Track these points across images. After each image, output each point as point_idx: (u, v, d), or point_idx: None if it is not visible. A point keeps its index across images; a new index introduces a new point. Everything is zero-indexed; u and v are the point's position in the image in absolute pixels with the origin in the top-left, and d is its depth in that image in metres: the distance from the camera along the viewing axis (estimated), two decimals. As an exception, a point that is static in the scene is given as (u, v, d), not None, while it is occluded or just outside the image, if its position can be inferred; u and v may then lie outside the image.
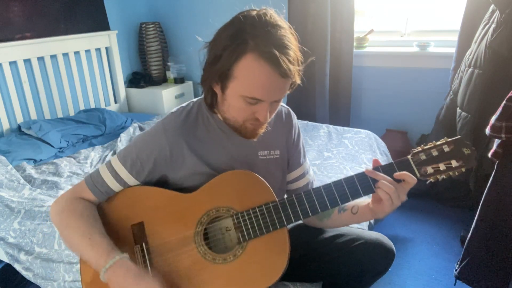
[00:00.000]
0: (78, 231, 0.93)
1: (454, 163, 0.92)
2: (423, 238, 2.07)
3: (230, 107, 0.94)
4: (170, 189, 1.02)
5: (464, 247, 1.48)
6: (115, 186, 1.01)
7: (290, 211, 0.94)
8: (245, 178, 0.98)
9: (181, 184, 1.02)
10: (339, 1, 2.53)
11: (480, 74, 1.84)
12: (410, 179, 0.92)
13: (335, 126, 2.42)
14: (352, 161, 1.99)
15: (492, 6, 1.85)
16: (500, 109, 1.24)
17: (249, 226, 0.94)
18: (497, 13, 1.75)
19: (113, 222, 0.98)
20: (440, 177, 0.93)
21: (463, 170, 0.93)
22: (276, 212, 0.94)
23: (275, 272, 0.92)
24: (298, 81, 0.92)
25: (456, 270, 1.51)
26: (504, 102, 1.24)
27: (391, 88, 2.66)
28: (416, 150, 0.94)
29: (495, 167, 1.34)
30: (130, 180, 1.01)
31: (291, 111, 1.16)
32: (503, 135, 1.24)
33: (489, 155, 1.35)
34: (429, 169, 0.93)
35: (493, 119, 1.26)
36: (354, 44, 2.63)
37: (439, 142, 0.93)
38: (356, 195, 0.94)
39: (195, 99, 1.07)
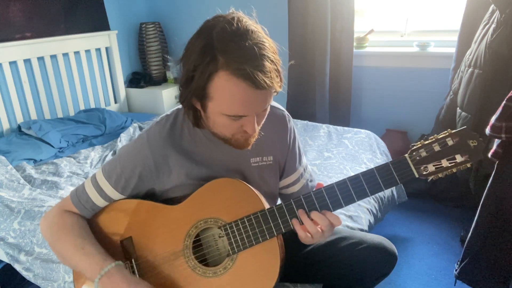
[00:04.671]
0: (70, 243, 0.93)
1: (458, 158, 0.81)
2: (423, 238, 2.07)
3: (216, 124, 0.89)
4: (158, 200, 1.00)
5: (464, 247, 1.48)
6: (100, 202, 0.99)
7: (279, 221, 0.90)
8: (232, 186, 0.94)
9: (168, 195, 1.00)
10: (339, 1, 2.53)
11: (480, 74, 1.84)
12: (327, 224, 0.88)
13: (335, 126, 2.42)
14: (352, 161, 1.99)
15: (492, 6, 1.85)
16: (500, 109, 1.24)
17: (238, 238, 0.91)
18: (497, 13, 1.75)
19: (103, 238, 0.97)
20: (443, 174, 0.84)
21: (469, 165, 0.82)
22: (265, 222, 0.90)
23: (267, 284, 0.89)
24: (279, 89, 0.84)
25: (456, 270, 1.51)
26: (504, 102, 1.24)
27: (391, 88, 2.66)
28: (416, 146, 0.85)
29: (495, 167, 1.34)
30: (115, 195, 0.99)
31: (287, 114, 1.10)
32: (503, 135, 1.24)
33: (489, 155, 1.35)
34: (430, 167, 0.83)
35: (493, 119, 1.26)
36: (354, 44, 2.63)
37: (441, 135, 0.83)
38: (350, 201, 0.88)
39: (180, 106, 0.99)
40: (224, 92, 0.79)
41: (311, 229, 0.88)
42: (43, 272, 1.48)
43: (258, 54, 0.76)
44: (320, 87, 2.70)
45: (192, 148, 0.98)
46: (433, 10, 2.63)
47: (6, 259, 1.61)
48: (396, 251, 1.11)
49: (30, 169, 2.01)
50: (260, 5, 3.03)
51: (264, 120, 0.92)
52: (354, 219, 1.54)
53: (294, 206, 0.90)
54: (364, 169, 1.95)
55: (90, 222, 1.01)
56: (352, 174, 1.87)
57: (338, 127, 2.39)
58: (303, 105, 2.78)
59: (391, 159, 2.14)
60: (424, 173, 0.84)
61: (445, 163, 0.82)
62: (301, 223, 0.90)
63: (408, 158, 0.84)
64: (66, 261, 0.96)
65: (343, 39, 2.61)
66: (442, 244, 2.02)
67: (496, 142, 1.33)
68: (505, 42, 1.72)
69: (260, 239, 0.90)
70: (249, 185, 0.94)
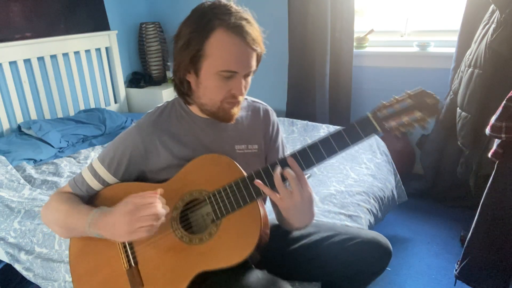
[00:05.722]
0: (64, 208, 1.02)
1: (417, 114, 0.90)
2: (423, 238, 2.07)
3: (207, 89, 0.97)
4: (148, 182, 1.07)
5: (464, 247, 1.48)
6: (94, 184, 1.06)
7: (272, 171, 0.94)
8: (214, 160, 1.01)
9: (158, 177, 1.06)
10: (339, 1, 2.53)
11: (480, 74, 1.84)
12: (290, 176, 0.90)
13: (335, 126, 2.42)
14: (352, 161, 1.99)
15: (492, 6, 1.85)
16: (500, 109, 1.24)
17: (221, 205, 0.96)
18: (497, 13, 1.75)
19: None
20: (405, 129, 0.91)
21: (428, 119, 0.90)
22: (246, 188, 0.95)
23: (250, 243, 0.93)
24: (263, 50, 0.97)
25: (456, 270, 1.51)
26: (504, 102, 1.24)
27: (391, 88, 2.65)
28: (377, 107, 0.93)
29: (495, 167, 1.34)
30: (109, 178, 1.05)
31: (270, 109, 1.18)
32: (503, 135, 1.24)
33: (489, 155, 1.35)
34: (392, 123, 0.91)
35: (493, 119, 1.26)
36: (354, 44, 2.63)
37: (400, 96, 0.93)
38: (321, 159, 0.93)
39: (170, 100, 1.12)
40: (220, 46, 0.91)
41: (279, 186, 0.90)
42: (43, 272, 1.48)
43: (245, 18, 0.93)
44: (320, 87, 2.70)
45: (178, 131, 1.06)
46: (433, 10, 2.63)
47: (6, 259, 1.61)
48: (390, 246, 1.12)
49: (30, 169, 2.01)
50: (260, 5, 3.03)
51: (246, 92, 1.01)
52: (354, 219, 1.54)
53: (271, 170, 0.94)
54: (365, 170, 1.96)
55: None
56: (353, 174, 1.88)
57: (338, 127, 2.39)
58: (303, 105, 2.78)
59: (391, 160, 2.16)
60: (387, 127, 0.91)
61: (405, 118, 0.90)
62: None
63: (370, 116, 0.92)
64: (62, 226, 1.03)
65: (343, 39, 2.61)
66: (442, 244, 2.02)
67: (496, 142, 1.33)
68: (505, 42, 1.72)
69: (242, 204, 0.95)
70: (230, 158, 1.00)
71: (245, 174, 0.98)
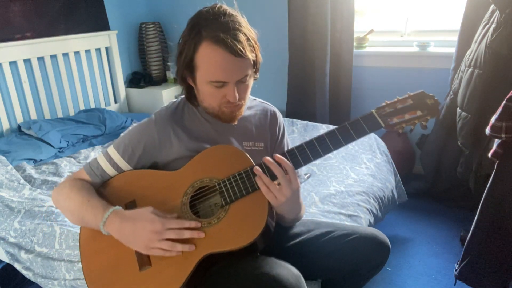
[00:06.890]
0: (78, 199, 1.04)
1: (418, 113, 0.97)
2: (423, 238, 2.07)
3: (204, 95, 1.04)
4: None
5: (464, 247, 1.48)
6: (109, 169, 1.10)
7: (267, 173, 0.99)
8: (224, 150, 1.07)
9: (170, 168, 1.10)
10: (339, 1, 2.53)
11: (480, 74, 1.84)
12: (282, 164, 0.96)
13: (335, 126, 2.41)
14: (352, 161, 1.99)
15: (492, 6, 1.85)
16: (500, 109, 1.24)
17: (231, 191, 1.00)
18: (497, 13, 1.76)
19: (109, 203, 1.04)
20: (407, 125, 0.97)
21: (429, 118, 0.97)
22: (254, 175, 0.99)
23: (257, 226, 0.96)
24: (254, 58, 1.00)
25: (456, 270, 1.52)
26: (504, 102, 1.24)
27: (391, 88, 2.66)
28: (381, 105, 0.98)
29: (495, 167, 1.34)
30: (122, 164, 1.09)
31: (277, 112, 1.24)
32: (503, 135, 1.24)
33: (489, 155, 1.35)
34: (395, 119, 0.97)
35: (493, 119, 1.26)
36: (354, 44, 2.63)
37: (402, 97, 0.99)
38: (328, 150, 0.99)
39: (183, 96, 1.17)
40: (206, 58, 0.96)
41: (266, 181, 0.96)
42: (43, 271, 1.48)
43: (232, 27, 0.95)
44: (320, 87, 2.70)
45: (191, 125, 1.12)
46: (433, 10, 2.63)
47: (6, 259, 1.61)
48: (388, 241, 1.13)
49: (30, 169, 2.01)
50: (260, 5, 3.03)
51: (247, 95, 1.06)
52: (354, 219, 1.54)
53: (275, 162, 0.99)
54: (365, 170, 1.96)
55: (98, 192, 1.09)
56: (353, 174, 1.88)
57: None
58: (303, 105, 2.78)
59: (391, 159, 2.16)
60: (390, 123, 0.97)
61: (407, 116, 0.97)
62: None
63: (374, 113, 0.98)
64: (74, 216, 1.06)
65: (343, 39, 2.61)
66: (442, 244, 2.02)
67: (496, 142, 1.33)
68: (505, 42, 1.72)
69: (250, 189, 0.99)
70: (239, 149, 1.06)
71: (253, 163, 1.03)
